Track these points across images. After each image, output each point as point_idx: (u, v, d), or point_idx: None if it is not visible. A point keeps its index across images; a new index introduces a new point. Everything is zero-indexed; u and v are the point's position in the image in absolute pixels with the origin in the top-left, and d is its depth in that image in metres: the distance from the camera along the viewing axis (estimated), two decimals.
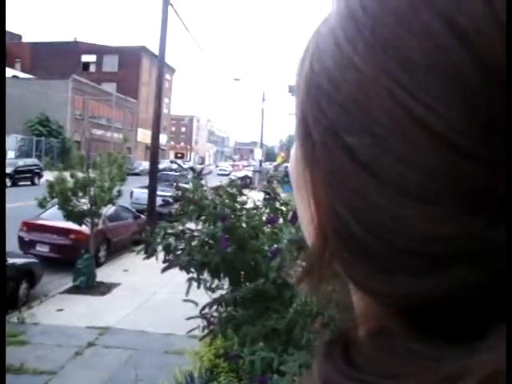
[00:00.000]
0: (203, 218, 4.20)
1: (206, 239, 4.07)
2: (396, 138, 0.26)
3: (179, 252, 4.13)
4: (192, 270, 3.91)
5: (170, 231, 4.25)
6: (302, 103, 0.32)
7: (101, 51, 55.41)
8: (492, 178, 0.25)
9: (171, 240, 4.25)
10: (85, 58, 55.48)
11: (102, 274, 10.04)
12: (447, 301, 0.27)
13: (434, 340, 0.27)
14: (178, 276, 4.64)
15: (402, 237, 0.27)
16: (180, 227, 4.31)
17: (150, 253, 4.11)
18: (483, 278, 0.26)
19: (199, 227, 4.31)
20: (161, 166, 27.43)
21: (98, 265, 10.57)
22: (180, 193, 4.31)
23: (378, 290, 0.29)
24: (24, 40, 57.78)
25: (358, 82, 0.28)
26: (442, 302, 0.27)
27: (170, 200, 4.21)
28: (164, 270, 3.98)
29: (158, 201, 13.91)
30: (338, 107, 0.28)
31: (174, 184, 4.58)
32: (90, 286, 9.36)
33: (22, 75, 45.91)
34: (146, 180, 18.51)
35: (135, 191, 18.07)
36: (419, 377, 0.26)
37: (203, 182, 4.58)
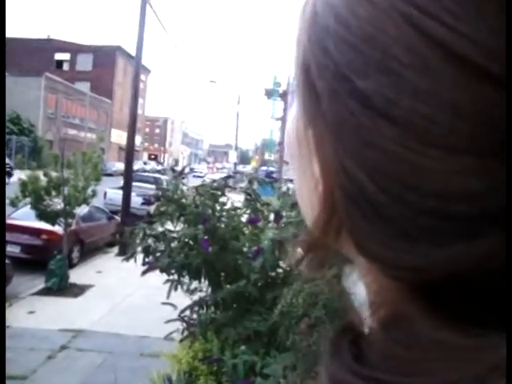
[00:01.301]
0: (184, 218, 4.16)
1: (187, 240, 4.02)
2: (419, 75, 0.23)
3: (159, 254, 4.08)
4: (172, 271, 3.86)
5: (149, 232, 4.19)
6: (303, 52, 0.29)
7: (75, 50, 54.67)
8: None
9: (150, 241, 4.19)
10: (58, 56, 54.61)
11: (75, 276, 9.87)
12: (476, 275, 0.23)
13: (463, 326, 0.23)
14: (153, 278, 4.59)
15: (426, 195, 0.23)
16: (160, 228, 4.26)
17: (129, 255, 4.04)
18: None
19: (178, 228, 4.27)
20: (134, 167, 27.22)
21: (71, 266, 10.39)
22: (160, 192, 4.26)
23: (396, 262, 0.25)
24: None
25: (370, 15, 0.24)
26: (470, 277, 0.23)
27: (152, 199, 4.15)
28: (144, 272, 3.92)
29: (132, 201, 13.84)
30: (348, 48, 0.25)
31: (155, 184, 4.53)
32: (63, 288, 9.18)
33: None
34: (119, 181, 18.35)
35: (109, 192, 17.88)
36: (454, 372, 0.22)
37: (184, 181, 4.54)
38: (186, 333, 3.82)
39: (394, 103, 0.23)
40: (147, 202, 4.28)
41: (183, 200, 4.19)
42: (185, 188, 4.38)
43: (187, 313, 3.84)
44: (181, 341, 3.91)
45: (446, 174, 0.22)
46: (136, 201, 14.52)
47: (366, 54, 0.24)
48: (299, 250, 0.33)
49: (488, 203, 0.22)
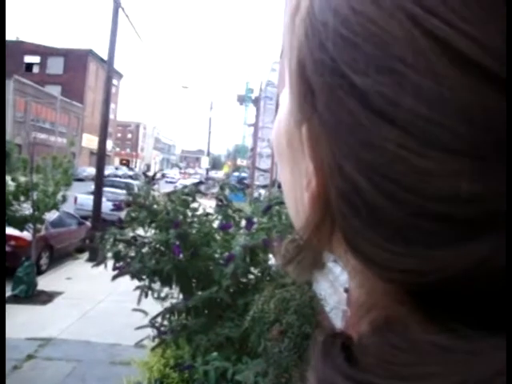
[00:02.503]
0: (155, 224, 4.13)
1: (158, 246, 4.00)
2: (422, 75, 0.22)
3: (129, 259, 4.04)
4: (143, 277, 3.82)
5: (120, 238, 4.15)
6: (299, 48, 0.28)
7: (45, 52, 53.78)
8: None
9: (121, 247, 4.15)
10: (28, 59, 53.66)
11: (44, 283, 9.67)
12: (473, 277, 0.23)
13: (460, 329, 0.23)
14: (123, 284, 4.53)
15: (423, 197, 0.23)
16: (131, 234, 4.22)
17: (99, 260, 3.99)
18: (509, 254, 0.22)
19: (149, 234, 4.24)
20: (106, 172, 26.91)
21: (40, 273, 10.18)
22: (131, 198, 4.23)
23: (391, 264, 0.25)
24: None
25: (373, 13, 0.23)
26: (464, 281, 0.23)
27: (122, 205, 4.10)
28: (115, 277, 3.88)
29: (103, 207, 13.66)
30: (348, 46, 0.24)
31: (125, 190, 4.49)
32: (31, 295, 8.98)
33: None
34: (90, 186, 18.09)
35: (80, 197, 17.62)
36: (454, 375, 0.21)
37: (155, 187, 4.51)
38: (157, 340, 3.79)
39: (394, 103, 0.23)
40: (117, 207, 4.23)
41: (154, 206, 4.16)
42: (156, 194, 4.36)
43: (158, 319, 3.80)
44: (153, 349, 3.87)
45: (445, 176, 0.22)
46: (107, 206, 14.35)
47: (367, 52, 0.23)
48: (288, 251, 0.32)
49: (485, 206, 0.22)
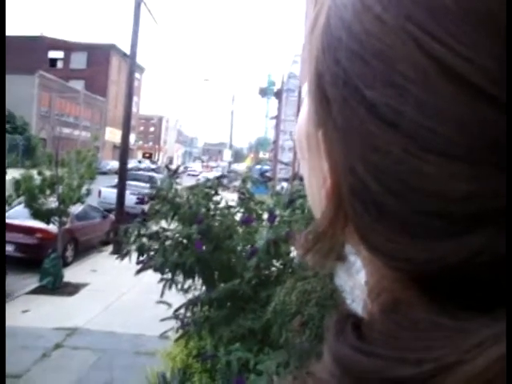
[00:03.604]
0: (178, 217, 4.18)
1: (181, 239, 4.04)
2: (422, 90, 0.25)
3: (153, 253, 4.10)
4: (166, 270, 3.88)
5: (143, 231, 4.21)
6: (316, 61, 0.31)
7: (69, 48, 54.36)
8: None
9: (145, 240, 4.21)
10: (52, 54, 54.31)
11: (70, 274, 9.85)
12: (466, 268, 0.26)
13: (454, 311, 0.26)
14: (147, 276, 4.61)
15: (424, 196, 0.26)
16: (154, 227, 4.28)
17: (123, 253, 4.05)
18: (501, 246, 0.25)
19: (172, 227, 4.29)
20: (129, 166, 27.17)
21: (65, 265, 10.36)
22: (155, 191, 4.28)
23: (397, 255, 0.28)
24: None
25: (380, 32, 0.27)
26: (462, 269, 0.26)
27: (146, 198, 4.16)
28: (138, 271, 3.94)
29: (127, 200, 13.81)
30: (359, 61, 0.28)
31: (149, 183, 4.55)
32: (57, 287, 9.16)
33: None
34: (113, 179, 18.27)
35: (103, 190, 17.82)
36: (446, 348, 0.25)
37: (178, 181, 4.56)
38: (180, 331, 3.85)
39: (398, 113, 0.26)
40: (141, 201, 4.30)
41: (177, 199, 4.21)
42: (179, 187, 4.40)
43: (181, 311, 3.86)
44: (176, 340, 3.93)
45: (443, 178, 0.25)
46: (130, 199, 14.52)
47: (375, 67, 0.27)
48: (307, 241, 0.36)
49: (480, 204, 0.25)
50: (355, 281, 2.70)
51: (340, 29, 0.29)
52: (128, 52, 14.40)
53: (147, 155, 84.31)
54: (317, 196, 0.35)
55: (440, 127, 0.25)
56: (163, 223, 4.36)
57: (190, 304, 3.70)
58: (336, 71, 0.29)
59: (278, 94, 30.19)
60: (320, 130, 0.32)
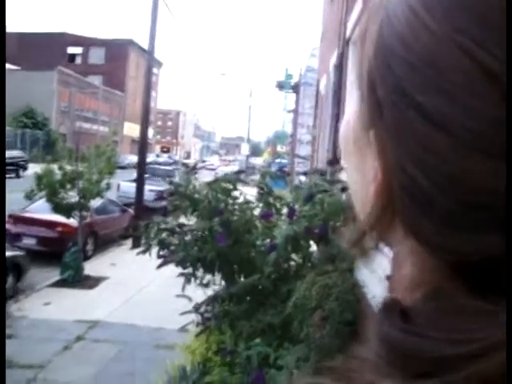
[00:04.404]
0: (197, 213, 4.20)
1: (200, 233, 4.06)
2: (470, 96, 0.28)
3: (173, 247, 4.12)
4: (187, 265, 3.90)
5: (163, 226, 4.24)
6: (369, 66, 0.34)
7: (87, 43, 54.84)
8: None
9: (165, 235, 4.24)
10: (71, 50, 54.84)
11: (90, 268, 9.98)
12: (501, 258, 0.28)
13: (493, 297, 0.28)
14: (167, 270, 4.64)
15: (469, 190, 0.28)
16: (174, 222, 4.30)
17: (145, 248, 4.09)
18: None
19: (191, 222, 4.30)
20: (147, 160, 27.36)
21: (86, 258, 10.51)
22: (173, 187, 4.30)
23: (444, 246, 0.30)
24: (9, 30, 56.94)
25: (430, 42, 0.29)
26: (497, 260, 0.28)
27: (164, 195, 4.19)
28: (160, 266, 3.97)
29: (146, 194, 13.92)
30: (410, 68, 0.30)
31: (167, 179, 4.57)
32: (78, 280, 9.30)
33: (6, 66, 45.23)
34: (132, 173, 18.40)
35: (122, 184, 17.97)
36: (492, 329, 0.27)
37: (196, 176, 4.57)
38: (200, 326, 3.87)
39: (447, 116, 0.28)
40: (160, 197, 4.32)
41: (196, 195, 4.22)
42: (197, 183, 4.41)
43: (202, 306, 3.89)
44: (197, 335, 3.96)
45: (485, 174, 0.27)
46: (149, 194, 14.64)
47: (425, 73, 0.29)
48: (354, 234, 0.39)
49: None
50: (377, 275, 2.69)
51: (392, 37, 0.31)
52: (146, 47, 14.46)
53: (165, 149, 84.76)
54: (361, 192, 0.37)
55: (486, 131, 0.27)
56: (182, 219, 4.38)
57: (211, 301, 3.72)
58: (388, 76, 0.31)
59: (296, 88, 30.05)
60: (371, 130, 0.34)
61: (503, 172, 0.27)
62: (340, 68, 7.37)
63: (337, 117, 7.14)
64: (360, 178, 0.37)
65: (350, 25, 7.18)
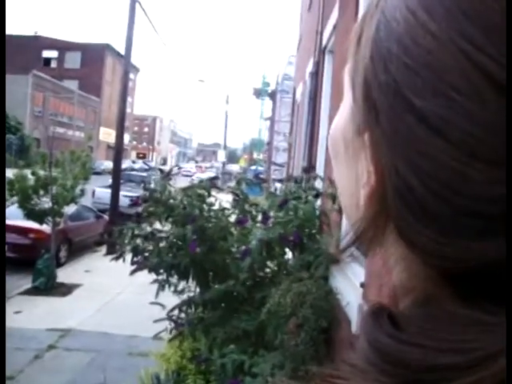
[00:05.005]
0: (172, 219, 4.17)
1: (175, 240, 4.04)
2: (471, 101, 0.27)
3: (147, 254, 4.09)
4: (161, 271, 3.87)
5: (138, 232, 4.20)
6: (364, 69, 0.33)
7: (63, 47, 54.18)
8: None
9: (139, 241, 4.20)
10: (46, 54, 54.12)
11: (63, 275, 9.81)
12: (500, 267, 0.27)
13: (483, 305, 0.27)
14: (141, 277, 4.59)
15: (467, 198, 0.27)
16: (148, 228, 4.27)
17: (118, 254, 4.04)
18: None
19: (166, 228, 4.28)
20: (123, 166, 27.12)
21: (59, 265, 10.33)
22: (148, 193, 4.27)
23: (437, 253, 0.29)
24: None
25: (432, 46, 0.28)
26: (495, 268, 0.27)
27: (139, 201, 4.15)
28: (133, 272, 3.93)
29: (121, 200, 13.78)
30: (408, 70, 0.29)
31: (142, 184, 4.53)
32: (50, 287, 9.12)
33: None
34: (107, 179, 18.21)
35: (97, 190, 17.77)
36: (487, 339, 0.26)
37: (171, 182, 4.55)
38: (174, 332, 3.84)
39: (446, 121, 0.27)
40: (135, 203, 4.28)
41: (171, 201, 4.20)
42: (173, 189, 4.39)
43: (175, 312, 3.85)
44: (170, 341, 3.92)
45: (484, 182, 0.27)
46: (124, 200, 14.49)
47: (425, 77, 0.28)
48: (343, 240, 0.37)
49: None
50: (351, 283, 2.70)
51: (390, 40, 0.31)
52: (122, 52, 14.36)
53: (141, 155, 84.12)
54: (351, 197, 0.36)
55: (486, 137, 0.27)
56: (157, 225, 4.35)
57: (184, 305, 3.69)
58: (385, 80, 0.30)
59: (273, 95, 30.18)
60: (365, 134, 0.33)
61: (503, 179, 0.26)
62: (316, 76, 7.43)
63: (312, 124, 7.19)
64: (351, 183, 0.36)
65: (326, 34, 7.27)
